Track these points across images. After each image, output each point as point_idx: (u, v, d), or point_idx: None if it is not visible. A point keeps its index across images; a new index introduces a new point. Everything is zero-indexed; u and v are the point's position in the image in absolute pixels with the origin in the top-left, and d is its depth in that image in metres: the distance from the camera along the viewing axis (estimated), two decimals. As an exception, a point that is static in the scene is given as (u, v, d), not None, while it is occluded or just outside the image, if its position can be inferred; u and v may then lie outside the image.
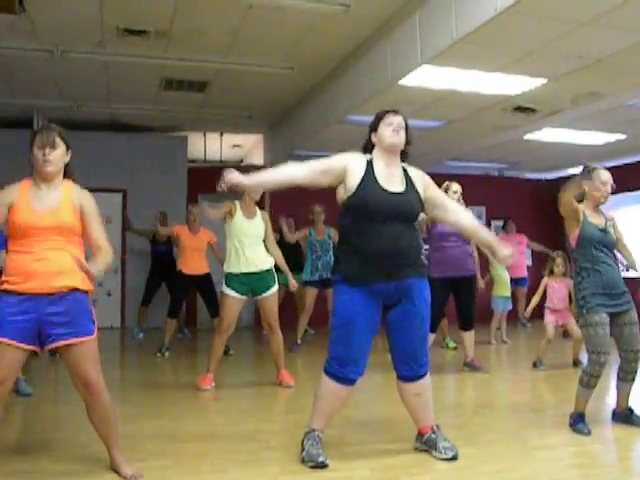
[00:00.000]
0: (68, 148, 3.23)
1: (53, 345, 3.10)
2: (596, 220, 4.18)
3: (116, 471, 3.25)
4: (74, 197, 3.20)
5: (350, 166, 3.51)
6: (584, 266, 4.15)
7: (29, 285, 3.02)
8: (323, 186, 3.56)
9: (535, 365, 6.61)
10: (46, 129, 3.18)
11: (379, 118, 3.63)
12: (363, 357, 3.48)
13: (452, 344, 8.06)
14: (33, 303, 3.02)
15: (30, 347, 3.08)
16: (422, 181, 3.64)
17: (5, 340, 2.99)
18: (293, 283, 6.13)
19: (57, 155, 3.16)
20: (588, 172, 4.21)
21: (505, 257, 3.63)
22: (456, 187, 6.23)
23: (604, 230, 4.17)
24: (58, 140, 3.16)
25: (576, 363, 6.69)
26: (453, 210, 3.74)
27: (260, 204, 5.85)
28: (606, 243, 4.15)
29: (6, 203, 3.10)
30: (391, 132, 3.54)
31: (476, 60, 5.72)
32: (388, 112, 3.64)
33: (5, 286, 3.04)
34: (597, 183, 4.17)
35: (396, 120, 3.58)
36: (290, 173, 3.54)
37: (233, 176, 3.36)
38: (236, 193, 3.35)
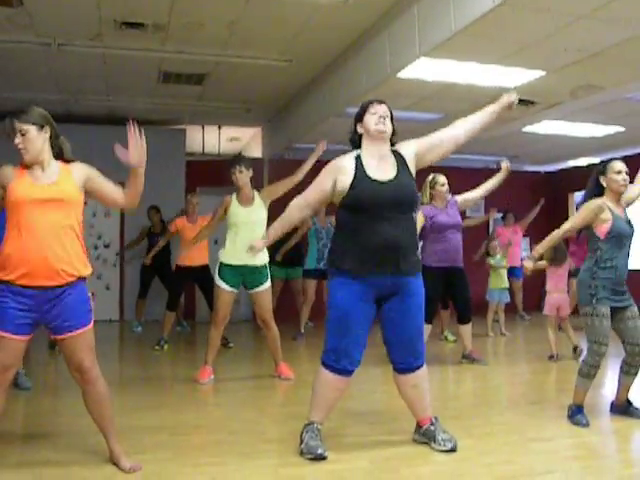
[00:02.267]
0: (42, 126, 3.14)
1: (53, 336, 3.14)
2: (621, 212, 4.20)
3: (115, 463, 3.26)
4: (73, 174, 3.19)
5: (339, 174, 3.51)
6: (606, 258, 4.12)
7: (31, 280, 3.01)
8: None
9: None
10: (10, 117, 3.11)
11: (364, 108, 3.64)
12: (359, 348, 3.50)
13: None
14: (35, 297, 3.03)
15: (29, 337, 3.10)
16: (410, 152, 3.62)
17: (8, 335, 3.01)
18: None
19: (28, 140, 3.10)
20: (603, 167, 4.22)
21: (510, 99, 3.71)
22: (443, 180, 6.28)
23: (629, 222, 4.21)
24: (23, 126, 3.09)
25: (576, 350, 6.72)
26: (443, 138, 3.69)
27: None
28: (631, 235, 4.19)
29: (0, 184, 3.08)
30: (377, 119, 3.55)
31: (474, 53, 5.72)
32: (372, 102, 3.64)
33: (6, 277, 3.02)
34: (612, 174, 4.17)
35: (381, 109, 3.59)
36: (299, 217, 3.76)
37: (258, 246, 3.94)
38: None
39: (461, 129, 3.71)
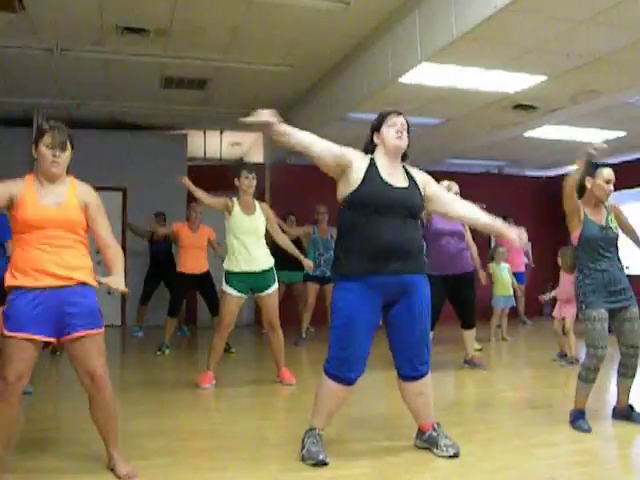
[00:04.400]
0: (72, 148, 3.22)
1: (70, 337, 3.12)
2: (597, 217, 4.19)
3: (112, 470, 3.26)
4: (79, 193, 3.21)
5: (355, 161, 3.51)
6: (585, 264, 4.16)
7: (44, 281, 3.05)
8: (326, 169, 3.54)
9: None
10: (58, 129, 3.14)
11: (382, 118, 3.63)
12: (363, 357, 3.48)
13: (476, 345, 7.84)
14: (49, 296, 3.06)
15: (47, 338, 3.11)
16: (422, 179, 3.66)
17: (23, 334, 3.01)
18: (308, 263, 6.03)
19: (65, 157, 3.16)
20: (592, 168, 4.20)
21: (514, 239, 3.62)
22: (457, 188, 6.27)
23: (605, 227, 4.17)
24: (68, 143, 3.16)
25: (562, 356, 6.80)
26: (449, 202, 3.76)
27: (260, 200, 5.82)
28: (607, 241, 4.15)
29: (7, 190, 3.09)
30: (395, 134, 3.55)
31: (476, 58, 5.73)
32: (391, 113, 3.64)
33: (19, 282, 3.05)
34: (600, 181, 4.17)
35: (399, 121, 3.59)
36: (312, 143, 3.51)
37: (265, 114, 3.29)
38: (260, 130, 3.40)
39: (461, 212, 3.76)
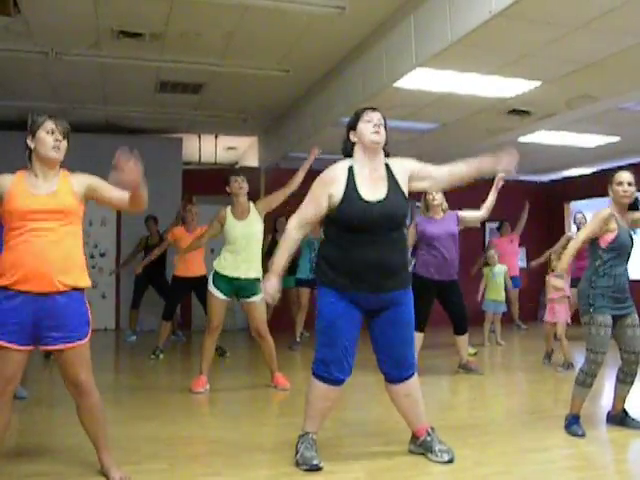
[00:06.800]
0: (68, 144, 3.23)
1: (49, 347, 3.12)
2: (626, 224, 4.21)
3: (105, 475, 3.25)
4: (73, 183, 3.20)
5: (333, 188, 3.44)
6: (603, 267, 4.14)
7: (28, 285, 3.01)
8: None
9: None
10: (60, 119, 3.20)
11: (357, 115, 3.58)
12: (349, 357, 3.48)
13: (471, 350, 7.52)
14: (31, 304, 3.02)
15: (28, 348, 3.09)
16: (404, 171, 3.58)
17: (5, 344, 3.00)
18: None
19: (65, 146, 3.19)
20: (610, 176, 4.25)
21: (506, 164, 3.72)
22: (434, 196, 6.22)
23: (631, 237, 4.21)
24: (66, 131, 3.20)
25: (548, 357, 6.93)
26: (439, 175, 3.67)
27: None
28: (630, 250, 4.20)
29: None
30: (372, 128, 3.49)
31: (471, 63, 5.74)
32: (366, 109, 3.60)
33: (3, 283, 3.02)
34: (615, 186, 4.20)
35: (376, 116, 3.53)
36: (300, 237, 3.60)
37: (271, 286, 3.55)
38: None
39: (448, 174, 3.68)
